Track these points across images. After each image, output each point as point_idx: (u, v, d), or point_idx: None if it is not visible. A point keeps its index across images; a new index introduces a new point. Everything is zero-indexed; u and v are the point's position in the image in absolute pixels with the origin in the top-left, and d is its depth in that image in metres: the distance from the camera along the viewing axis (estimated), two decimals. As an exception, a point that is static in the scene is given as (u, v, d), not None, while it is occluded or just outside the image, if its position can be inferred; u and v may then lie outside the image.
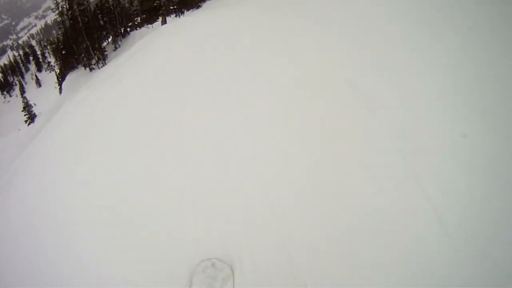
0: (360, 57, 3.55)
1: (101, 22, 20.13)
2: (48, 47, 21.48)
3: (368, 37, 3.77)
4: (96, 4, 20.16)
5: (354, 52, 3.69)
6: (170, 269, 2.44)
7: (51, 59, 25.22)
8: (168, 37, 7.74)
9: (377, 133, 2.71)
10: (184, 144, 3.57)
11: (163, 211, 2.89)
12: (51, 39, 21.85)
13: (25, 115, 27.58)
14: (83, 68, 19.58)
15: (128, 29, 21.73)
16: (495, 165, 2.15)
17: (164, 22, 17.30)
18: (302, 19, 5.16)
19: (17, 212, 3.90)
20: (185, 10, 18.51)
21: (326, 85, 3.45)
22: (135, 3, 22.44)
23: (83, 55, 18.68)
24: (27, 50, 73.45)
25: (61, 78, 23.30)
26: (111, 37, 21.30)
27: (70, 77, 20.26)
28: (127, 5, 22.36)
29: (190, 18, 8.20)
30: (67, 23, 18.82)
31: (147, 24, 20.51)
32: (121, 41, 20.76)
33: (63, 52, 20.84)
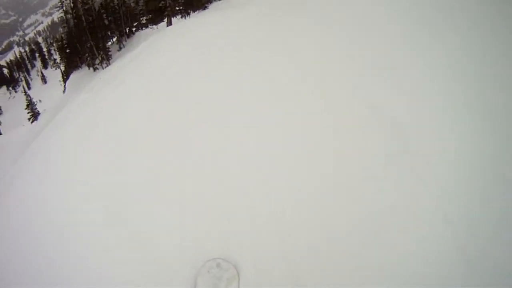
0: (360, 57, 3.55)
1: (106, 22, 19.89)
2: (54, 45, 21.36)
3: (368, 37, 3.77)
4: (101, 3, 19.86)
5: (354, 52, 3.69)
6: (170, 269, 2.44)
7: (57, 57, 25.15)
8: (174, 39, 7.71)
9: (378, 133, 2.71)
10: (185, 144, 3.57)
11: (163, 211, 2.89)
12: (57, 36, 21.68)
13: (28, 112, 27.56)
14: (87, 67, 19.48)
15: (133, 29, 21.48)
16: (495, 165, 2.15)
17: (169, 23, 17.08)
18: (303, 19, 5.16)
19: (17, 212, 3.90)
20: (191, 11, 18.24)
21: (326, 85, 3.45)
22: (141, 3, 22.08)
23: (87, 54, 18.53)
24: (33, 47, 73.97)
25: (65, 76, 23.19)
26: (115, 37, 21.06)
27: (74, 76, 20.23)
28: (132, 4, 22.03)
29: (196, 19, 8.14)
30: (72, 21, 18.67)
31: (152, 25, 20.24)
32: (125, 41, 20.56)
33: (67, 51, 20.64)
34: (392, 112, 2.80)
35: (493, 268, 1.74)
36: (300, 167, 2.76)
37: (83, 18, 17.75)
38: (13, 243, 3.31)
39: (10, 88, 62.98)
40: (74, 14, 18.02)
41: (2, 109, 54.39)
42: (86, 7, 17.66)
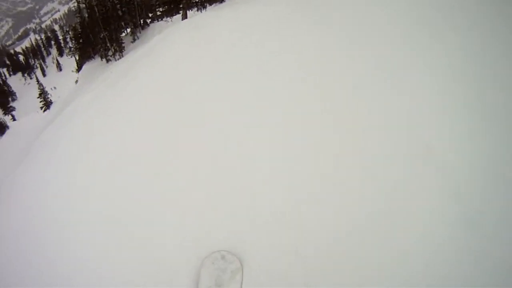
0: (360, 57, 3.55)
1: (120, 13, 19.30)
2: (70, 33, 21.09)
3: (368, 37, 3.77)
4: (115, -7, 19.27)
5: (354, 52, 3.69)
6: (170, 269, 2.44)
7: (72, 45, 25.07)
8: (187, 32, 7.59)
9: (378, 133, 2.71)
10: (186, 144, 3.58)
11: (164, 211, 2.89)
12: (73, 25, 21.45)
13: (41, 101, 27.45)
14: (99, 58, 19.18)
15: (148, 21, 20.88)
16: (495, 165, 2.15)
17: (184, 16, 16.35)
18: (307, 18, 5.15)
19: (18, 211, 3.90)
20: (208, 5, 17.44)
21: (326, 85, 3.45)
22: (156, -6, 21.35)
23: (100, 45, 18.24)
24: (49, 35, 75.08)
25: (79, 65, 22.97)
26: (129, 28, 20.47)
27: (86, 66, 20.11)
28: (148, -5, 21.20)
29: (212, 13, 7.94)
30: (85, 11, 18.37)
31: (167, 17, 19.72)
32: (140, 32, 20.04)
33: (80, 41, 20.36)
34: (392, 112, 2.80)
35: (493, 268, 1.74)
36: (300, 167, 2.76)
37: (96, 9, 17.43)
38: (13, 243, 3.31)
39: (25, 75, 63.84)
40: (87, 4, 17.70)
41: (17, 95, 55.27)
42: (99, -3, 17.10)
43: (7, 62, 72.03)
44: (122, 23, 20.09)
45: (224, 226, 2.57)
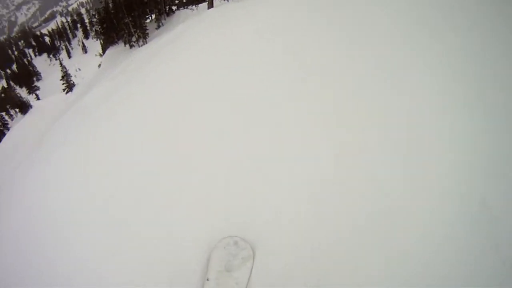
0: (360, 57, 3.55)
1: None
2: (96, 16, 20.99)
3: (368, 37, 3.77)
4: (140, -21, 18.96)
5: (354, 52, 3.69)
6: (171, 269, 2.44)
7: (96, 29, 25.13)
8: (212, 23, 7.54)
9: (378, 133, 2.72)
10: (187, 143, 3.58)
11: (164, 212, 2.90)
12: (98, 9, 21.32)
13: (63, 83, 27.62)
14: (123, 44, 18.98)
15: (174, 8, 20.41)
16: (495, 166, 2.15)
17: (210, 5, 15.72)
18: (306, 18, 5.15)
19: (18, 211, 3.90)
20: None
21: (326, 85, 3.45)
22: (183, -20, 20.90)
23: (123, 31, 18.07)
24: (75, 18, 76.41)
25: (103, 49, 22.83)
26: (154, 15, 20.11)
27: (110, 51, 20.04)
28: (174, -19, 20.78)
29: (239, 4, 7.81)
30: None
31: (192, 6, 19.09)
32: (165, 19, 19.70)
33: (104, 25, 20.18)
34: (392, 112, 2.80)
35: (494, 268, 1.74)
36: (300, 167, 2.77)
37: (119, -6, 17.10)
38: (13, 243, 3.31)
39: (51, 56, 64.99)
40: (111, -11, 17.40)
41: (42, 75, 56.39)
42: (123, -18, 16.91)
43: (33, 43, 73.90)
44: (147, 10, 19.68)
45: (225, 227, 2.57)
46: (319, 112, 3.18)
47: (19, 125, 23.62)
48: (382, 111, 2.86)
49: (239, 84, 4.23)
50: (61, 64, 30.95)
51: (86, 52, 60.17)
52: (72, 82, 28.06)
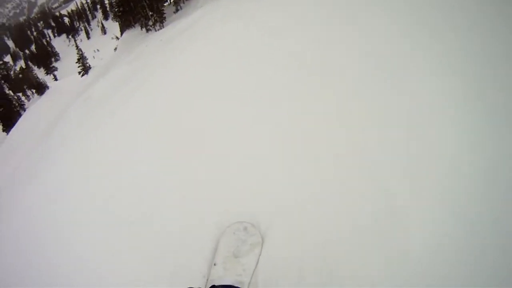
0: (360, 57, 3.55)
1: None
2: None
3: (368, 37, 3.77)
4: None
5: (354, 52, 3.70)
6: (171, 269, 2.44)
7: (113, 12, 24.85)
8: (227, 14, 7.47)
9: (378, 133, 2.71)
10: (187, 143, 3.58)
11: (164, 212, 2.90)
12: None
13: (79, 66, 27.68)
14: (139, 27, 18.78)
15: None
16: (496, 166, 2.15)
17: None
18: (306, 19, 5.15)
19: (18, 211, 3.91)
20: None
21: (326, 85, 3.45)
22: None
23: (139, 14, 17.87)
24: None
25: (121, 32, 22.65)
26: None
27: (126, 35, 20.00)
28: (193, -37, 20.39)
29: None
30: None
31: None
32: (183, 3, 19.46)
33: (121, 8, 19.93)
34: (392, 112, 2.80)
35: (493, 268, 1.74)
36: (300, 167, 2.77)
37: (136, -24, 16.78)
38: (13, 243, 3.32)
39: (70, 36, 65.90)
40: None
41: (60, 56, 56.98)
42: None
43: (53, 24, 74.63)
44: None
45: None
46: (319, 112, 3.19)
47: (35, 107, 23.86)
48: (382, 111, 2.86)
49: (240, 82, 4.25)
50: (77, 46, 30.78)
51: (105, 33, 60.63)
52: (88, 64, 28.02)
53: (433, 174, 2.26)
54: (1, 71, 38.42)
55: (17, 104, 30.17)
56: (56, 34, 74.02)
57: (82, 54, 28.51)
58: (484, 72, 2.69)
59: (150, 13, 17.12)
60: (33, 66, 54.65)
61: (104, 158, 4.10)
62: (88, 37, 64.72)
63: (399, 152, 2.49)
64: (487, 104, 2.47)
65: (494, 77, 2.62)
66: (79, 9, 74.99)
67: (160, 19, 17.56)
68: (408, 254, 1.96)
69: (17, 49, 74.22)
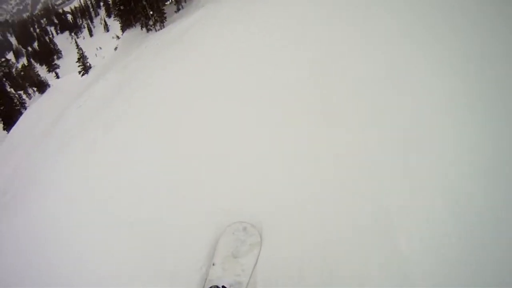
0: (360, 57, 3.55)
1: None
2: None
3: (368, 37, 3.77)
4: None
5: (355, 52, 3.70)
6: (171, 269, 2.44)
7: (116, 9, 24.54)
8: (228, 15, 7.44)
9: (378, 133, 2.71)
10: (188, 143, 3.59)
11: (164, 212, 2.90)
12: None
13: (79, 66, 27.42)
14: (140, 27, 18.48)
15: None
16: (496, 166, 2.14)
17: None
18: (306, 19, 5.15)
19: (18, 211, 3.91)
20: None
21: (327, 85, 3.45)
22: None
23: (140, 14, 17.52)
24: None
25: (122, 31, 22.38)
26: None
27: (126, 34, 19.68)
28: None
29: None
30: None
31: None
32: (185, 1, 18.95)
33: (121, 7, 19.47)
34: (393, 112, 2.80)
35: (494, 268, 1.73)
36: (300, 167, 2.77)
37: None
38: (13, 243, 3.32)
39: (73, 34, 65.35)
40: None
41: (63, 53, 56.87)
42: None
43: (55, 21, 74.45)
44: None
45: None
46: (319, 112, 3.19)
47: (36, 105, 23.77)
48: (382, 111, 2.85)
49: (241, 82, 4.25)
50: (77, 45, 30.33)
51: (108, 30, 60.21)
52: (88, 64, 27.73)
53: (433, 174, 2.26)
54: (3, 68, 38.37)
55: (18, 103, 30.17)
56: (59, 31, 73.74)
57: (82, 53, 28.23)
58: (485, 72, 2.69)
59: (151, 12, 16.95)
60: (35, 64, 54.60)
61: (104, 158, 4.10)
62: (91, 35, 64.50)
63: (399, 152, 2.49)
64: (487, 105, 2.47)
65: (494, 77, 2.61)
66: (82, 6, 74.55)
67: (160, 19, 17.34)
68: (408, 254, 1.96)
69: (20, 46, 74.21)
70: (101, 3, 67.70)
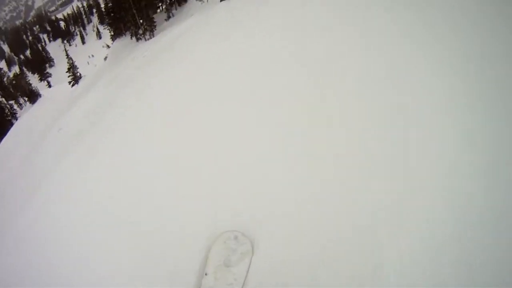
0: (360, 57, 3.55)
1: None
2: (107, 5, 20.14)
3: (368, 38, 3.77)
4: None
5: (355, 52, 3.70)
6: (170, 269, 2.44)
7: (106, 18, 24.27)
8: (219, 22, 7.48)
9: (379, 133, 2.71)
10: (188, 144, 3.59)
11: (164, 212, 2.90)
12: None
13: (69, 76, 27.32)
14: (129, 36, 18.39)
15: None
16: (496, 166, 2.14)
17: None
18: (306, 19, 5.15)
19: (18, 211, 3.91)
20: None
21: (327, 85, 3.45)
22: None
23: (129, 23, 17.43)
24: (91, 2, 76.35)
25: (113, 40, 22.19)
26: (164, 4, 19.18)
27: (116, 44, 19.62)
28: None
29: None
30: None
31: None
32: (176, 9, 18.83)
33: (111, 15, 19.48)
34: (393, 112, 2.80)
35: (494, 268, 1.73)
36: (300, 167, 2.76)
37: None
38: (13, 243, 3.32)
39: (65, 41, 65.08)
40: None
41: (55, 61, 56.50)
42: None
43: (48, 28, 74.01)
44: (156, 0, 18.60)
45: (225, 228, 2.56)
46: (319, 112, 3.19)
47: (27, 116, 23.79)
48: (382, 111, 2.85)
49: (240, 83, 4.25)
50: (67, 55, 30.18)
51: (100, 38, 60.18)
52: (78, 74, 27.55)
53: (433, 174, 2.26)
54: (-5, 78, 38.01)
55: (9, 113, 29.66)
56: (51, 39, 73.13)
57: (72, 63, 27.87)
58: (485, 72, 2.69)
59: (140, 21, 16.77)
60: (27, 72, 54.09)
61: (103, 159, 4.11)
62: (83, 42, 64.09)
63: (399, 152, 2.49)
64: (487, 105, 2.47)
65: (494, 77, 2.61)
66: (75, 13, 74.26)
67: (150, 28, 17.15)
68: (408, 254, 1.96)
69: (12, 54, 73.39)
70: (94, 10, 67.70)
